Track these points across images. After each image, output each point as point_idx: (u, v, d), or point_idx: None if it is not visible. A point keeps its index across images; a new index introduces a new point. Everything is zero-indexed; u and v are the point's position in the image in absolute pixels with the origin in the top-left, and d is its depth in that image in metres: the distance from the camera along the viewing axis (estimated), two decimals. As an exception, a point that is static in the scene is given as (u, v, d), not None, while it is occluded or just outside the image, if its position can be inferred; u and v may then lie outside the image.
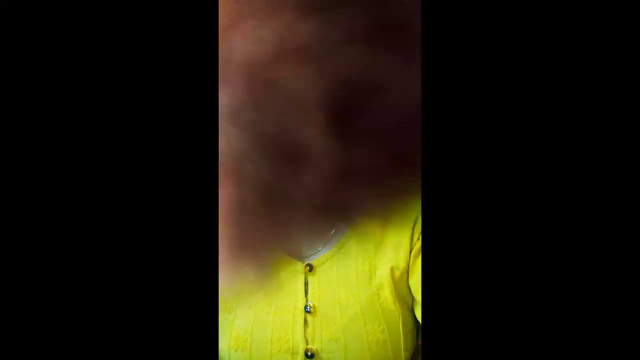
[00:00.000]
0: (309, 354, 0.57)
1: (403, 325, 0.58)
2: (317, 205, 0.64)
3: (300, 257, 0.63)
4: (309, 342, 0.58)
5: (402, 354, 0.58)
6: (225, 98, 0.48)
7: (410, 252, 0.60)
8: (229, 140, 0.50)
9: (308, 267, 0.62)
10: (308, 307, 0.59)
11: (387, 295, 0.59)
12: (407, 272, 0.60)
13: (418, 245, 0.59)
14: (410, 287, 0.60)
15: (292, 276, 0.61)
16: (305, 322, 0.59)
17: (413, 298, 0.60)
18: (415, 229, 0.60)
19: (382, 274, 0.60)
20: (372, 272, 0.60)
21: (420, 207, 0.55)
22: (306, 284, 0.61)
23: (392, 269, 0.60)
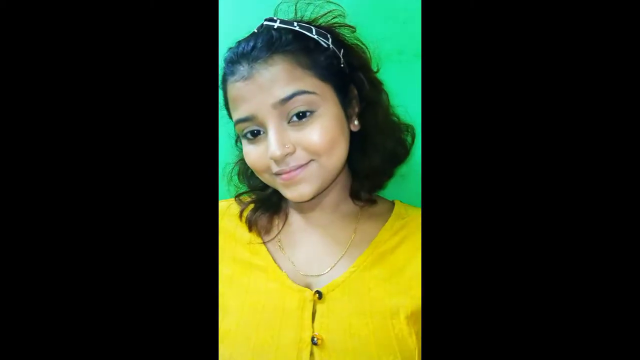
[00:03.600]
0: None
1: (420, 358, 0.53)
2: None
3: (306, 281, 0.59)
4: None
5: None
6: None
7: None
8: None
9: (317, 295, 0.56)
10: (315, 339, 0.54)
11: (403, 325, 0.54)
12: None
13: None
14: None
15: (299, 304, 0.56)
16: (312, 354, 0.53)
17: None
18: None
19: (397, 301, 0.55)
20: (387, 299, 0.56)
21: None
22: (314, 312, 0.56)
23: (407, 296, 0.56)
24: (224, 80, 0.58)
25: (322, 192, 0.58)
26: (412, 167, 0.69)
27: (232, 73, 0.55)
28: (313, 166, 0.55)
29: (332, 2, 0.61)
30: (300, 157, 0.54)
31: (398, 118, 0.66)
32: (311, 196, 0.56)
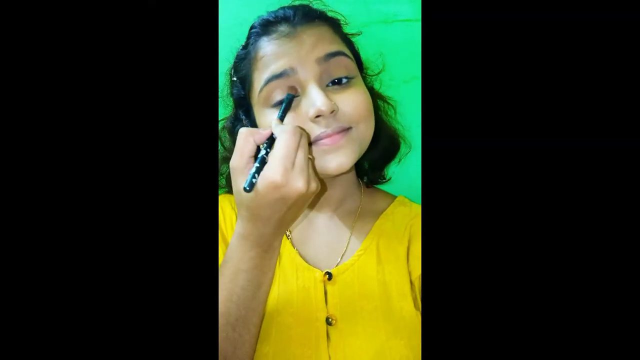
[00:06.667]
0: None
1: None
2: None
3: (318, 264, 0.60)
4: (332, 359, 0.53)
5: None
6: None
7: None
8: None
9: (327, 276, 0.57)
10: (330, 320, 0.55)
11: (410, 307, 0.55)
12: None
13: None
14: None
15: (310, 283, 0.57)
16: (328, 336, 0.54)
17: None
18: None
19: (404, 284, 0.57)
20: (394, 282, 0.57)
21: None
22: (325, 293, 0.57)
23: (413, 279, 0.57)
24: (247, 45, 0.57)
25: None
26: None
27: (268, 33, 0.55)
28: (353, 133, 0.54)
29: (335, 12, 0.62)
30: (342, 119, 0.53)
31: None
32: (349, 167, 0.54)
